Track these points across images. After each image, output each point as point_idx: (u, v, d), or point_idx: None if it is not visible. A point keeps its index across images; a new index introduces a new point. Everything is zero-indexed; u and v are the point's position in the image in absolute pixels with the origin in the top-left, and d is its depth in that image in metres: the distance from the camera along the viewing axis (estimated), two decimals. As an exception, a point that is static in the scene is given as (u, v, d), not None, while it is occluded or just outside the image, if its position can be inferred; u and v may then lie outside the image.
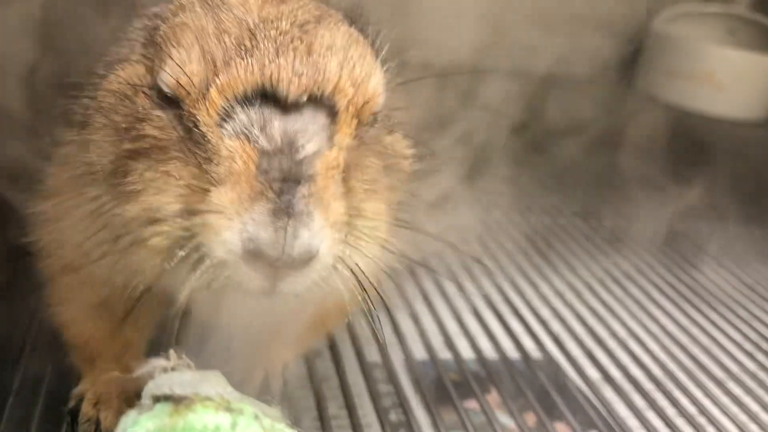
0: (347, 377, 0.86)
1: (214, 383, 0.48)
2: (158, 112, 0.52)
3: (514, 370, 0.94)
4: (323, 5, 0.59)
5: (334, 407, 0.81)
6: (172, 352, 0.50)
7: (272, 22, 0.53)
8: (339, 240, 0.50)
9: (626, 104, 2.42)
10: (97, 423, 0.68)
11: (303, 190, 0.47)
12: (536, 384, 0.92)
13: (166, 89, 0.52)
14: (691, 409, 0.93)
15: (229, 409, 0.47)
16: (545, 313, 1.10)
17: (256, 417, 0.47)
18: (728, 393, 0.98)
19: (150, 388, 0.48)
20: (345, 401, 0.82)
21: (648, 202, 1.56)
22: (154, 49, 0.55)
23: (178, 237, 0.49)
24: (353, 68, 0.53)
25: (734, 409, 0.95)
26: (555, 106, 2.17)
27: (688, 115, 2.40)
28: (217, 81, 0.49)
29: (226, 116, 0.49)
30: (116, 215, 0.53)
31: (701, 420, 0.91)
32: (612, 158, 1.81)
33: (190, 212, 0.49)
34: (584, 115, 2.16)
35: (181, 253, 0.49)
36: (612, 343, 1.05)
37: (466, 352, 0.96)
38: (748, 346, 1.11)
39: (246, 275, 0.48)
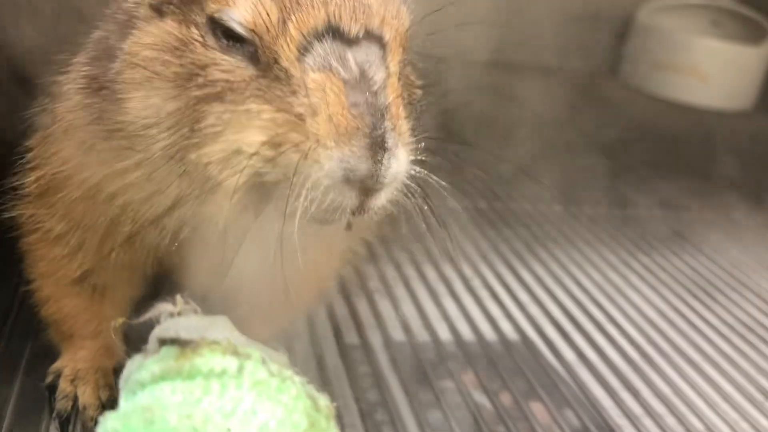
0: (325, 359, 0.87)
1: (221, 327, 0.48)
2: (225, 56, 0.53)
3: (491, 351, 0.95)
4: None
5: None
6: (178, 297, 0.51)
7: None
8: (412, 148, 0.54)
9: (611, 95, 2.43)
10: (75, 399, 0.69)
11: (388, 122, 0.50)
12: (513, 365, 0.93)
13: (239, 28, 0.53)
14: (666, 390, 0.94)
15: (236, 353, 0.47)
16: (524, 297, 1.11)
17: (264, 362, 0.47)
18: (703, 374, 0.99)
19: (156, 332, 0.48)
20: (322, 382, 0.83)
21: (627, 190, 1.58)
22: (192, 3, 0.56)
23: (259, 169, 0.52)
24: (390, 1, 0.56)
25: (708, 389, 0.96)
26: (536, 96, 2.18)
27: (673, 106, 2.42)
28: (293, 18, 0.52)
29: (305, 51, 0.52)
30: (188, 162, 0.54)
31: (675, 400, 0.93)
32: (596, 147, 1.82)
33: (277, 144, 0.51)
34: (567, 105, 2.18)
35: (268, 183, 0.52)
36: (589, 326, 1.06)
37: (444, 335, 0.97)
38: (724, 330, 1.12)
39: (342, 196, 0.51)
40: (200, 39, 0.54)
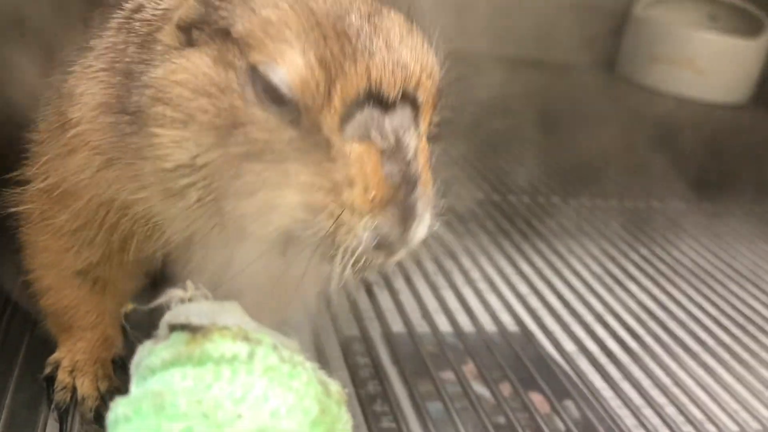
0: (325, 351, 0.87)
1: (232, 313, 0.48)
2: (267, 114, 0.53)
3: (491, 342, 0.95)
4: None
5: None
6: (189, 282, 0.51)
7: (346, 16, 0.54)
8: (435, 209, 0.55)
9: (608, 88, 2.43)
10: (74, 390, 0.69)
11: (419, 191, 0.51)
12: (512, 356, 0.93)
13: (284, 89, 0.52)
14: (666, 380, 0.94)
15: (246, 338, 0.47)
16: (523, 289, 1.10)
17: (275, 348, 0.47)
18: (703, 364, 0.99)
19: (166, 318, 0.48)
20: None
21: (625, 183, 1.58)
22: (227, 39, 0.55)
23: (292, 227, 0.52)
24: (424, 59, 0.55)
25: (708, 379, 0.96)
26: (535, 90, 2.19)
27: (669, 99, 2.42)
28: (338, 86, 0.51)
29: (347, 119, 0.51)
30: (221, 209, 0.55)
31: (675, 390, 0.93)
32: (592, 140, 1.83)
33: (313, 208, 0.51)
34: (565, 99, 2.18)
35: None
36: (589, 318, 1.06)
37: (444, 326, 0.97)
38: (723, 320, 1.12)
39: (370, 258, 0.52)
40: (239, 89, 0.53)
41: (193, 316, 0.47)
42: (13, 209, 0.66)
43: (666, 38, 2.41)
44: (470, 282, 1.09)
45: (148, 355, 0.48)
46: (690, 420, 0.87)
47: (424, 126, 0.55)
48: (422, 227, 0.52)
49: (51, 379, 0.70)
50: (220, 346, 0.46)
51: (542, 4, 2.45)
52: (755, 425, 0.89)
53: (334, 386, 0.50)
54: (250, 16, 0.54)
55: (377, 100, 0.52)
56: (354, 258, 0.51)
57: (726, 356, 1.02)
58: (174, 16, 0.58)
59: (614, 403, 0.88)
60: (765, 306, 1.20)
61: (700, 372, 0.98)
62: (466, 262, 1.15)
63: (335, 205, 0.51)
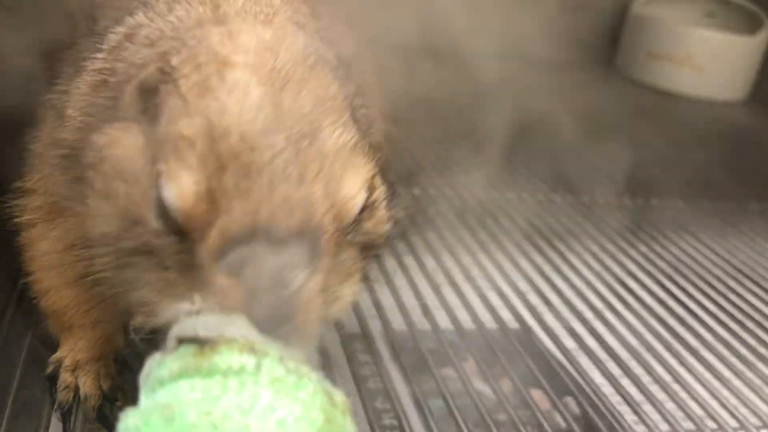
0: (327, 349, 0.87)
1: (239, 326, 0.49)
2: (159, 222, 0.53)
3: (491, 339, 0.95)
4: (322, 76, 0.59)
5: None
6: (197, 296, 0.51)
7: (268, 135, 0.52)
8: (312, 344, 0.53)
9: (606, 86, 2.43)
10: (76, 389, 0.69)
11: (282, 330, 0.49)
12: (513, 353, 0.93)
13: (172, 210, 0.52)
14: (666, 377, 0.95)
15: (253, 350, 0.47)
16: (523, 286, 1.11)
17: (281, 359, 0.47)
18: (703, 361, 0.99)
19: (175, 331, 0.49)
20: (324, 371, 0.82)
21: (624, 181, 1.58)
22: (156, 121, 0.55)
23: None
24: (340, 191, 0.54)
25: (708, 376, 0.96)
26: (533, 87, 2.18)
27: (667, 96, 2.42)
28: (220, 221, 0.50)
29: (223, 254, 0.50)
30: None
31: (675, 386, 0.93)
32: (591, 138, 1.83)
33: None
34: (563, 96, 2.18)
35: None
36: (589, 315, 1.06)
37: (444, 323, 0.97)
38: (723, 317, 1.13)
39: None
40: (147, 188, 0.53)
41: (201, 328, 0.48)
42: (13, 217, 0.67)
43: (664, 35, 2.41)
44: (470, 279, 1.10)
45: (157, 367, 0.48)
46: (690, 416, 0.88)
47: (325, 261, 0.53)
48: None
49: (53, 378, 0.71)
50: (227, 358, 0.46)
51: (539, 2, 2.45)
52: (755, 421, 0.89)
53: (339, 396, 0.49)
54: (174, 117, 0.53)
55: (265, 237, 0.50)
56: None
57: (726, 352, 1.03)
58: (140, 74, 0.58)
59: (614, 399, 0.88)
60: (765, 303, 1.20)
61: (700, 368, 0.98)
62: (466, 259, 1.15)
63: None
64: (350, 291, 0.59)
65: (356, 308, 0.95)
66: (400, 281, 1.04)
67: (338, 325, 0.92)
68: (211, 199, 0.51)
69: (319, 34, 0.74)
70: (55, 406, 0.70)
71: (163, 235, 0.52)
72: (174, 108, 0.53)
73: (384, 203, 0.64)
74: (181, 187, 0.51)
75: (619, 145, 1.82)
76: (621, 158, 1.72)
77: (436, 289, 1.05)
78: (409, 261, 1.11)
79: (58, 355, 0.72)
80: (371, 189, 0.61)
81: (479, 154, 1.59)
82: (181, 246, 0.52)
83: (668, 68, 2.42)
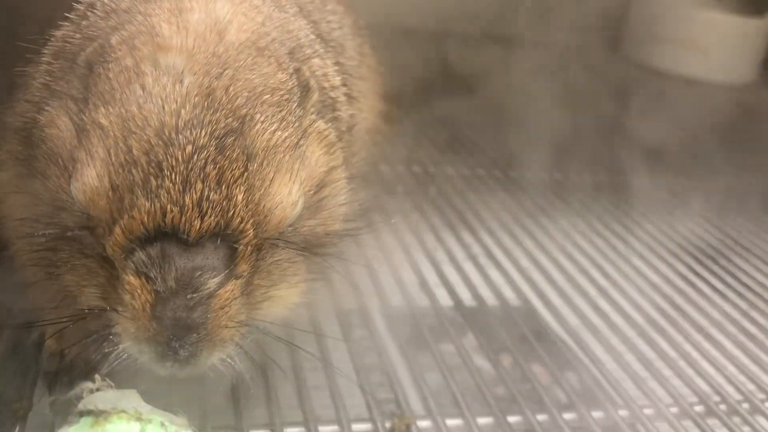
0: (322, 325, 0.85)
1: (130, 399, 0.57)
2: (73, 210, 0.52)
3: (492, 316, 0.93)
4: (269, 63, 0.57)
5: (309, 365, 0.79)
6: (97, 376, 0.57)
7: (191, 130, 0.50)
8: (228, 349, 0.54)
9: (611, 70, 2.41)
10: (62, 356, 0.67)
11: (191, 337, 0.50)
12: (514, 329, 0.91)
13: (78, 203, 0.51)
14: (672, 353, 0.92)
15: (139, 419, 0.55)
16: (525, 263, 1.09)
17: (162, 424, 0.56)
18: (709, 338, 0.97)
19: (79, 406, 0.56)
20: (318, 346, 0.80)
21: (629, 160, 1.56)
22: (86, 104, 0.53)
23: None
24: (267, 195, 0.52)
25: (713, 352, 0.94)
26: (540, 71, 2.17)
27: (673, 79, 2.40)
28: (123, 221, 0.49)
29: (128, 252, 0.50)
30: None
31: (681, 363, 0.91)
32: (597, 119, 1.82)
33: (103, 307, 0.53)
34: (569, 78, 2.17)
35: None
36: (593, 292, 1.04)
37: (444, 300, 0.95)
38: (728, 293, 1.11)
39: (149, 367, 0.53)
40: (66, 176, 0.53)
41: (99, 402, 0.56)
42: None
43: (670, 18, 2.38)
44: (471, 257, 1.08)
45: None
46: (696, 391, 0.85)
47: (241, 267, 0.52)
48: (188, 368, 0.52)
49: (39, 346, 0.69)
50: (117, 426, 0.55)
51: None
52: (761, 395, 0.87)
53: None
54: (97, 102, 0.52)
55: (173, 238, 0.50)
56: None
57: (732, 329, 1.01)
58: (87, 50, 0.56)
59: (618, 375, 0.86)
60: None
61: (707, 345, 0.96)
62: (467, 237, 1.13)
63: (111, 315, 0.52)
64: (289, 292, 0.58)
65: (353, 285, 0.93)
66: (399, 259, 1.02)
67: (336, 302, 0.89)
68: (115, 195, 0.49)
69: (304, 11, 0.72)
70: (41, 372, 0.69)
71: (78, 224, 0.52)
72: (100, 92, 0.52)
73: (338, 199, 0.62)
74: (84, 181, 0.50)
75: (624, 126, 1.80)
76: (625, 139, 1.70)
77: (437, 267, 1.03)
78: (409, 239, 1.08)
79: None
80: (320, 185, 0.59)
81: (481, 133, 1.57)
82: (94, 238, 0.52)
83: (674, 51, 2.39)
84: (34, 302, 0.69)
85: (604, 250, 1.18)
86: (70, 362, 0.66)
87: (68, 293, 0.55)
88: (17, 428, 0.65)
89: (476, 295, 0.97)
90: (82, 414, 0.56)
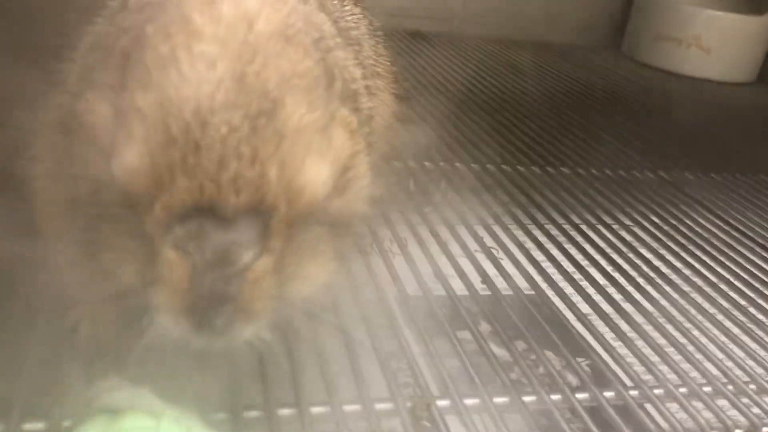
0: (342, 312, 0.88)
1: (144, 397, 0.59)
2: (116, 188, 0.54)
3: (506, 305, 0.95)
4: (297, 50, 0.58)
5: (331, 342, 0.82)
6: (112, 374, 0.61)
7: (226, 112, 0.52)
8: (261, 323, 0.56)
9: (614, 69, 2.44)
10: (96, 339, 0.70)
11: (226, 307, 0.52)
12: (528, 317, 0.94)
13: (118, 181, 0.53)
14: (682, 339, 0.95)
15: (154, 415, 0.58)
16: (538, 255, 1.11)
17: (176, 420, 0.58)
18: (718, 325, 0.99)
19: (95, 405, 0.59)
20: (341, 330, 0.83)
21: (635, 156, 1.59)
22: (124, 91, 0.55)
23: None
24: (298, 173, 0.54)
25: (723, 338, 0.96)
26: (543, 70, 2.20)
27: (675, 78, 2.42)
28: (162, 198, 0.52)
29: (169, 228, 0.52)
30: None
31: (691, 348, 0.93)
32: (601, 116, 1.84)
33: (141, 285, 0.55)
34: (572, 78, 2.19)
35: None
36: (603, 281, 1.06)
37: (460, 290, 0.97)
38: (737, 283, 1.13)
39: (185, 340, 0.55)
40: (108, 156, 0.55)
41: (114, 400, 0.59)
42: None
43: (671, 16, 2.41)
44: (485, 249, 1.10)
45: None
46: (705, 375, 0.88)
47: (274, 241, 0.54)
48: (222, 339, 0.54)
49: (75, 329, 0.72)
50: (133, 422, 0.58)
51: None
52: (768, 377, 0.90)
53: None
54: (135, 87, 0.54)
55: (210, 213, 0.52)
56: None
57: (737, 314, 1.03)
58: (123, 41, 0.59)
59: (629, 360, 0.88)
60: (771, 265, 1.21)
61: (716, 331, 0.98)
62: (480, 231, 1.15)
63: (146, 293, 0.54)
64: (317, 271, 0.60)
65: (371, 275, 0.96)
66: (414, 251, 1.05)
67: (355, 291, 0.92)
68: (155, 173, 0.51)
69: (325, 8, 0.75)
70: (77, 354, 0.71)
71: (120, 204, 0.54)
72: (138, 78, 0.54)
73: (362, 182, 0.65)
74: (125, 160, 0.52)
75: (628, 122, 1.83)
76: (630, 135, 1.73)
77: (451, 258, 1.05)
78: (423, 232, 1.11)
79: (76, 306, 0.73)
80: (345, 168, 0.61)
81: (489, 130, 1.60)
82: (135, 217, 0.54)
83: (676, 50, 2.41)
84: (69, 289, 0.72)
85: (613, 242, 1.20)
86: (104, 347, 0.69)
87: (106, 274, 0.57)
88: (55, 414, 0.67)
89: (490, 285, 1.00)
90: (98, 412, 0.59)
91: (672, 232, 1.28)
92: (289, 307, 0.59)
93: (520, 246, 1.13)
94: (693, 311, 1.02)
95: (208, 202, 0.51)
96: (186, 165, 0.51)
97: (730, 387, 0.86)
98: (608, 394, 0.81)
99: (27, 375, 0.70)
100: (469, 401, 0.77)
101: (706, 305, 1.04)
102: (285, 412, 0.72)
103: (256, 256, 0.53)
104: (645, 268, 1.13)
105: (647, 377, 0.86)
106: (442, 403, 0.76)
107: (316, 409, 0.72)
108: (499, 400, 0.78)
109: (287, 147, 0.54)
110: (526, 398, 0.78)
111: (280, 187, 0.53)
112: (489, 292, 0.99)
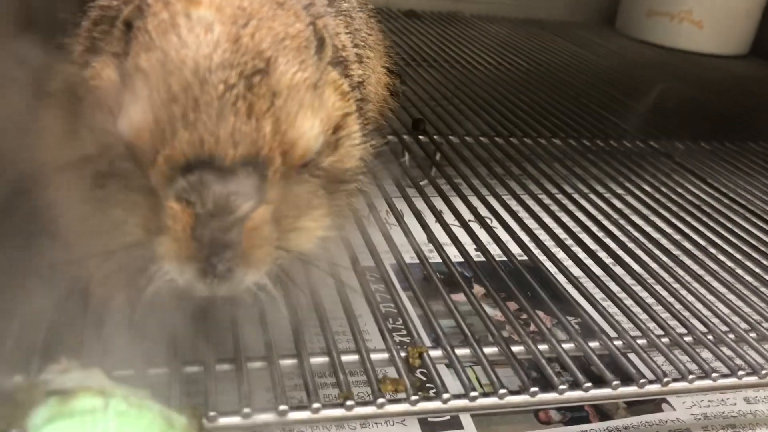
0: (340, 277, 0.90)
1: (94, 377, 0.62)
2: (120, 145, 0.59)
3: (500, 270, 0.98)
4: (288, 14, 0.63)
5: (329, 303, 0.85)
6: (63, 358, 0.64)
7: (223, 70, 0.56)
8: (262, 270, 0.60)
9: (607, 44, 2.45)
10: (107, 300, 0.73)
11: (228, 253, 0.56)
12: (520, 281, 0.96)
13: (124, 138, 0.58)
14: (669, 298, 0.97)
15: (103, 394, 0.60)
16: (532, 224, 1.13)
17: (124, 398, 0.61)
18: (707, 286, 1.02)
19: (47, 388, 0.62)
20: (340, 298, 0.86)
21: (630, 126, 1.62)
22: (127, 56, 0.60)
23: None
24: (291, 127, 0.59)
25: (710, 297, 0.99)
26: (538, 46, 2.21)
27: (669, 52, 2.44)
28: (164, 152, 0.56)
29: (170, 180, 0.57)
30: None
31: (678, 306, 0.95)
32: (594, 89, 1.87)
33: (138, 239, 0.59)
34: (566, 53, 2.21)
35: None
36: (595, 246, 1.09)
37: (455, 257, 1.00)
38: (728, 248, 1.15)
39: (190, 287, 0.59)
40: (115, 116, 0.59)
41: (66, 382, 0.61)
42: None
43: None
44: (480, 218, 1.13)
45: (33, 417, 0.61)
46: (686, 326, 0.91)
47: (272, 192, 0.58)
48: (225, 286, 0.58)
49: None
50: (83, 402, 0.59)
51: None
52: (745, 326, 0.93)
53: (179, 420, 0.63)
54: (138, 51, 0.58)
55: (209, 164, 0.56)
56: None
57: (729, 278, 1.05)
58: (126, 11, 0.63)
59: (619, 318, 0.91)
60: (765, 233, 1.24)
61: (703, 291, 1.00)
62: (475, 201, 1.18)
63: (152, 245, 0.58)
64: (314, 224, 0.65)
65: (368, 244, 0.99)
66: (410, 221, 1.07)
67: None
68: (158, 128, 0.56)
69: None
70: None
71: (126, 160, 0.58)
72: (140, 43, 0.59)
73: (354, 141, 0.69)
74: (130, 118, 0.57)
75: (621, 95, 1.86)
76: (622, 106, 1.76)
77: (447, 228, 1.08)
78: (419, 204, 1.14)
79: (87, 270, 0.76)
80: (337, 127, 0.66)
81: (483, 104, 1.63)
82: (140, 171, 0.58)
83: (668, 25, 2.43)
84: (76, 252, 0.76)
85: (605, 210, 1.23)
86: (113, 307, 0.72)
87: (113, 228, 0.60)
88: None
89: (485, 251, 1.03)
90: (50, 394, 0.61)
91: (662, 199, 1.31)
92: (288, 257, 0.62)
93: (514, 215, 1.16)
94: (681, 272, 1.05)
95: (207, 154, 0.55)
96: (186, 120, 0.55)
97: (710, 337, 0.89)
98: (593, 344, 0.85)
99: (44, 327, 0.73)
100: (461, 351, 0.80)
101: (694, 267, 1.07)
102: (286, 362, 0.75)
103: (255, 206, 0.57)
104: (635, 233, 1.16)
105: (634, 332, 0.89)
106: (435, 353, 0.80)
107: (315, 359, 0.76)
108: (489, 350, 0.81)
109: (280, 103, 0.58)
110: (515, 348, 0.82)
111: (275, 140, 0.57)
112: (483, 259, 1.02)
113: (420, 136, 1.39)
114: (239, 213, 0.56)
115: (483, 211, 1.16)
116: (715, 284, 1.03)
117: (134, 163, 0.58)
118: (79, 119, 0.63)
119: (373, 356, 0.77)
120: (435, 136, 1.41)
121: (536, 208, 1.20)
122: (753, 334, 0.91)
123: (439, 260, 0.99)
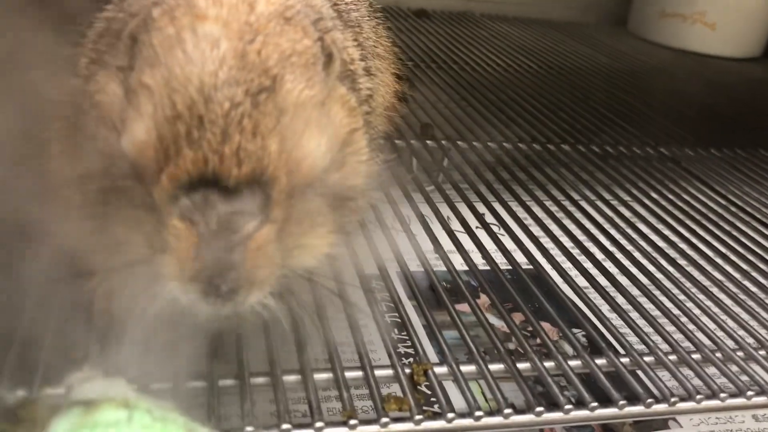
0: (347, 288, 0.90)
1: (117, 388, 0.61)
2: (124, 161, 0.58)
3: (505, 279, 0.98)
4: (296, 30, 0.62)
5: (333, 311, 0.85)
6: (86, 366, 0.63)
7: (228, 88, 0.56)
8: (265, 290, 0.60)
9: (619, 46, 2.44)
10: (112, 314, 0.73)
11: (231, 274, 0.56)
12: (525, 290, 0.96)
13: (127, 155, 0.58)
14: (675, 311, 0.97)
15: (127, 406, 0.59)
16: (537, 231, 1.13)
17: (149, 410, 0.59)
18: (712, 297, 1.01)
19: (68, 397, 0.61)
20: (343, 306, 0.86)
21: (637, 132, 1.61)
22: (132, 70, 0.59)
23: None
24: (297, 146, 0.58)
25: (716, 309, 0.99)
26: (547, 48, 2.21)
27: (681, 54, 2.43)
28: (168, 170, 0.55)
29: (173, 198, 0.56)
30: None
31: (684, 320, 0.95)
32: (604, 93, 1.86)
33: (150, 255, 0.59)
34: (577, 55, 2.20)
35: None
36: (600, 256, 1.09)
37: (459, 265, 1.00)
38: (733, 257, 1.15)
39: (194, 307, 0.59)
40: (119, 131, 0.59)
41: (88, 392, 0.60)
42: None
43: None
44: (485, 225, 1.13)
45: (54, 427, 0.59)
46: (695, 343, 0.90)
47: (276, 212, 0.58)
48: (229, 306, 0.58)
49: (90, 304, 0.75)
50: (106, 414, 0.58)
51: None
52: (755, 344, 0.92)
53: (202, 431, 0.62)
54: (143, 66, 0.58)
55: (214, 185, 0.55)
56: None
57: (736, 290, 1.05)
58: (131, 25, 0.62)
59: (623, 330, 0.91)
60: (769, 240, 1.23)
61: (708, 303, 1.00)
62: (481, 208, 1.18)
63: (155, 263, 0.58)
64: (319, 242, 0.64)
65: (373, 252, 0.99)
66: (416, 228, 1.07)
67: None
68: (162, 146, 0.55)
69: None
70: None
71: (129, 177, 0.58)
72: (145, 58, 0.58)
73: (361, 158, 0.69)
74: (133, 134, 0.56)
75: (630, 99, 1.85)
76: (632, 111, 1.75)
77: (452, 235, 1.08)
78: (425, 210, 1.14)
79: (91, 282, 0.76)
80: (343, 144, 0.65)
81: (492, 108, 1.62)
82: (143, 189, 0.58)
83: (681, 26, 2.42)
84: (83, 260, 0.76)
85: (611, 217, 1.22)
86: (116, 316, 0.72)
87: (117, 245, 0.60)
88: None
89: (489, 260, 1.03)
90: (72, 405, 0.60)
91: (670, 208, 1.30)
92: (292, 275, 0.62)
93: (520, 222, 1.16)
94: (688, 284, 1.04)
95: (212, 173, 0.55)
96: (191, 138, 0.55)
97: (719, 355, 0.89)
98: (600, 361, 0.85)
99: (47, 344, 0.73)
100: (466, 368, 0.80)
101: (701, 278, 1.07)
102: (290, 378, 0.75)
103: (259, 225, 0.57)
104: (642, 242, 1.15)
105: (640, 346, 0.88)
106: (440, 369, 0.80)
107: (319, 376, 0.76)
108: (495, 367, 0.81)
109: (286, 121, 0.57)
110: (521, 365, 0.82)
111: (280, 158, 0.57)
112: (488, 268, 1.01)
113: (428, 141, 1.39)
114: (243, 233, 0.56)
115: (489, 218, 1.16)
116: (722, 296, 1.02)
117: (138, 181, 0.58)
118: (82, 133, 0.63)
119: (378, 372, 0.77)
120: (443, 141, 1.40)
121: (542, 215, 1.19)
122: (762, 352, 0.91)
123: (445, 269, 0.99)
